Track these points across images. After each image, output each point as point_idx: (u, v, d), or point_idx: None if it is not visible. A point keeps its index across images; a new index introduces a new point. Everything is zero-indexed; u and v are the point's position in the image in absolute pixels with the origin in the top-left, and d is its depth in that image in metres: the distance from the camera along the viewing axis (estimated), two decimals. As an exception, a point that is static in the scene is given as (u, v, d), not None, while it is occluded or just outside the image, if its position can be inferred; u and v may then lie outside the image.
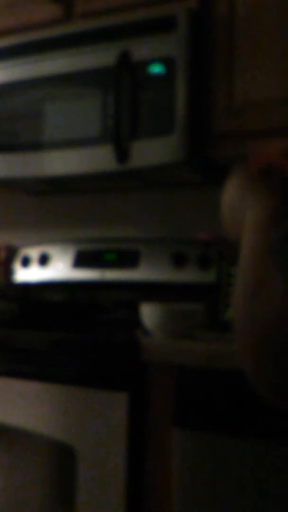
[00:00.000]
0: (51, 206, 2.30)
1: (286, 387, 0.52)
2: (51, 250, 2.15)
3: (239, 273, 0.58)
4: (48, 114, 1.81)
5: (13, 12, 1.96)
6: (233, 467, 1.28)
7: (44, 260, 2.14)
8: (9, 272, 2.23)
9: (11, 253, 2.25)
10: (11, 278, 2.22)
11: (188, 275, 1.91)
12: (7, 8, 1.97)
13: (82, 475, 1.39)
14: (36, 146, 1.83)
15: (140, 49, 1.67)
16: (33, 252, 2.19)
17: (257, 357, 0.53)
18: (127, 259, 2.00)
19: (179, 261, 1.93)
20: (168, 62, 1.64)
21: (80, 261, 2.08)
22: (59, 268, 2.11)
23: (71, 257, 2.10)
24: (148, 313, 1.44)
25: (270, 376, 0.53)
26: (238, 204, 0.66)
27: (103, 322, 1.71)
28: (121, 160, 1.69)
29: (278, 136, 1.59)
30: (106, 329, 1.52)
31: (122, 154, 1.68)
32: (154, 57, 1.66)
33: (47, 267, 2.13)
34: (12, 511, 1.55)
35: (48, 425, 1.44)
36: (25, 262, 2.19)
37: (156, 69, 1.66)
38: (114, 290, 2.01)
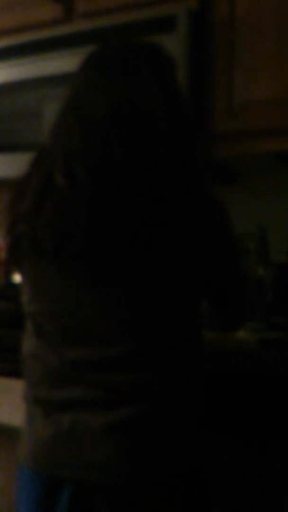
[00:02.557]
0: (51, 206, 2.29)
1: None
2: (51, 250, 2.15)
3: None
4: (48, 114, 1.81)
5: (13, 12, 1.96)
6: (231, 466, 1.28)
7: (44, 260, 2.14)
8: (9, 272, 2.23)
9: (11, 253, 2.24)
10: (11, 278, 2.22)
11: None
12: (7, 8, 1.97)
13: (82, 475, 1.39)
14: (36, 146, 1.82)
15: (140, 49, 1.67)
16: (33, 252, 2.18)
17: None
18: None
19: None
20: (168, 62, 1.63)
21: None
22: (59, 268, 2.10)
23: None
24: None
25: None
26: None
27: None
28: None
29: (277, 136, 1.59)
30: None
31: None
32: (154, 57, 1.65)
33: (47, 267, 2.13)
34: (12, 511, 1.55)
35: (48, 425, 1.44)
36: (25, 262, 2.19)
37: (156, 69, 1.65)
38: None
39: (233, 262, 1.11)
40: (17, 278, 2.18)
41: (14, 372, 1.53)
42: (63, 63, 1.80)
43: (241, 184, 1.90)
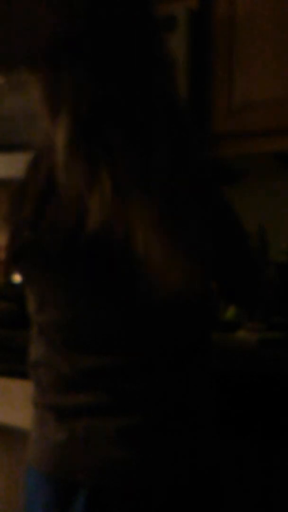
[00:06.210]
0: (51, 206, 2.29)
1: None
2: (51, 250, 2.15)
3: None
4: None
5: (13, 12, 1.95)
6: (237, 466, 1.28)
7: (44, 260, 2.14)
8: (9, 272, 2.22)
9: (11, 253, 2.24)
10: (11, 278, 2.22)
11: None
12: (7, 8, 1.97)
13: (82, 475, 1.39)
14: (36, 146, 1.82)
15: (140, 49, 1.67)
16: (33, 252, 2.18)
17: None
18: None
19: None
20: (168, 62, 1.63)
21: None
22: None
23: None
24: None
25: None
26: None
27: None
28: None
29: (277, 136, 1.59)
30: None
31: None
32: (154, 57, 1.65)
33: (47, 267, 2.13)
34: (13, 511, 1.55)
35: (48, 425, 1.44)
36: (25, 262, 2.18)
37: (156, 69, 1.65)
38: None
39: (248, 257, 1.10)
40: (17, 278, 2.18)
41: (14, 372, 1.53)
42: (63, 63, 1.80)
43: (241, 184, 1.90)
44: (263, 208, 1.87)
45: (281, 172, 1.84)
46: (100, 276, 0.95)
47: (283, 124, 1.56)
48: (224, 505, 1.06)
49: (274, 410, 1.27)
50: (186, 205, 0.94)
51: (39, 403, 1.04)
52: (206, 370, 1.03)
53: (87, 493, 0.95)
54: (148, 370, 0.96)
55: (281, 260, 1.72)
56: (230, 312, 1.63)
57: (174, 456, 0.97)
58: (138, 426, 0.95)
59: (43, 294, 1.01)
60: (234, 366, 1.31)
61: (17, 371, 1.51)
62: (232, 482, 1.27)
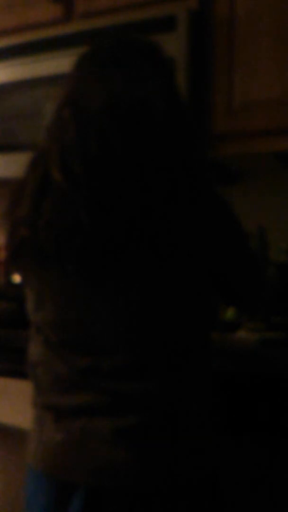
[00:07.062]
0: (51, 206, 2.29)
1: None
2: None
3: None
4: (48, 114, 1.81)
5: (13, 12, 1.95)
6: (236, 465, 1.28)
7: (44, 260, 2.14)
8: (9, 272, 2.22)
9: (11, 253, 2.24)
10: (11, 278, 2.22)
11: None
12: (7, 8, 1.97)
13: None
14: (36, 146, 1.82)
15: (140, 49, 1.66)
16: (33, 252, 2.18)
17: None
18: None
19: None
20: (168, 62, 1.63)
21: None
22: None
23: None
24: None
25: None
26: None
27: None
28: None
29: (277, 136, 1.59)
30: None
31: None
32: (154, 57, 1.65)
33: (47, 267, 2.12)
34: (13, 511, 1.55)
35: (48, 425, 1.44)
36: (25, 262, 2.18)
37: (156, 69, 1.65)
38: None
39: (245, 255, 1.09)
40: (17, 278, 2.18)
41: (14, 372, 1.53)
42: (63, 63, 1.79)
43: (241, 184, 1.90)
44: (263, 208, 1.87)
45: (281, 172, 1.84)
46: (97, 275, 0.95)
47: (283, 124, 1.56)
48: (224, 505, 1.06)
49: (274, 410, 1.27)
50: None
51: (38, 403, 1.04)
52: (205, 370, 1.03)
53: (84, 493, 0.95)
54: (146, 371, 0.96)
55: (281, 260, 1.72)
56: (230, 312, 1.63)
57: (171, 456, 0.97)
58: (135, 427, 0.95)
59: (40, 292, 1.01)
60: (234, 366, 1.31)
61: (17, 371, 1.51)
62: (232, 482, 1.27)
